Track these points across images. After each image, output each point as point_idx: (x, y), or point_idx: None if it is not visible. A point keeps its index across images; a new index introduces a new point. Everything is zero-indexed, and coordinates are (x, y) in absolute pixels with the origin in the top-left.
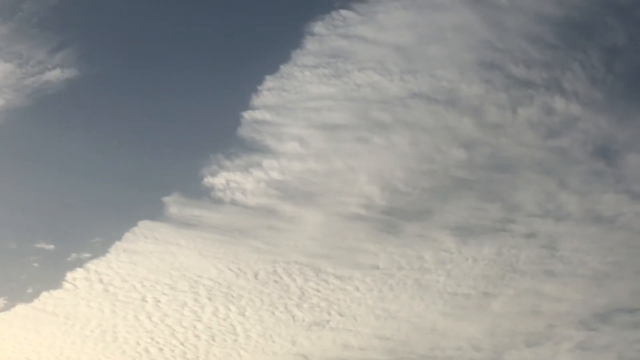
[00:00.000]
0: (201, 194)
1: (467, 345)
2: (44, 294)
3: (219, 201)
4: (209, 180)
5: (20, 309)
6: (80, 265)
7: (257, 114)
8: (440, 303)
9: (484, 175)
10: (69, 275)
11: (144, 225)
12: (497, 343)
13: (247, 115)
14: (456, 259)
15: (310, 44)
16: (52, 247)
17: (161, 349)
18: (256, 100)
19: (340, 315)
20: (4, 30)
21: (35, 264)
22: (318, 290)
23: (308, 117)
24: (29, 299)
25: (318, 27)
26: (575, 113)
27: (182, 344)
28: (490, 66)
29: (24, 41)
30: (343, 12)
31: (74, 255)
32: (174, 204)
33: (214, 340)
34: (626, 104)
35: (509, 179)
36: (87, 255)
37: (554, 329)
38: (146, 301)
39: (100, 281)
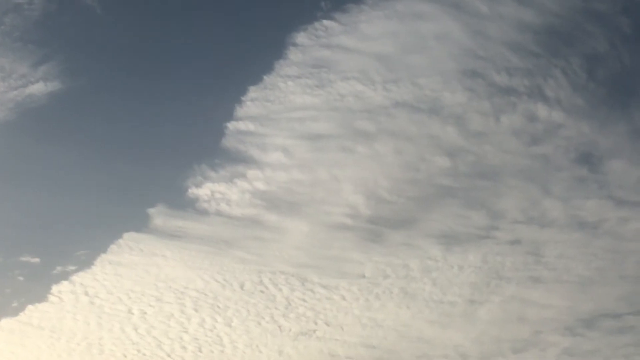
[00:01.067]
0: (186, 205)
1: (454, 353)
2: (30, 307)
3: (203, 212)
4: (193, 191)
5: (6, 322)
6: (66, 278)
7: (241, 125)
8: (426, 311)
9: (468, 183)
10: (55, 288)
11: (129, 237)
12: (484, 350)
13: (231, 126)
14: (442, 266)
15: (293, 55)
16: (37, 260)
17: None
18: (240, 111)
19: (327, 324)
20: None
21: (21, 278)
22: (304, 300)
23: (292, 127)
24: (15, 312)
25: (301, 37)
26: (558, 120)
27: (168, 355)
28: (473, 74)
29: (6, 55)
30: (325, 22)
31: (59, 268)
32: (159, 216)
33: (200, 351)
34: (608, 110)
35: (493, 187)
36: (73, 268)
37: (540, 335)
38: (132, 313)
39: (86, 294)
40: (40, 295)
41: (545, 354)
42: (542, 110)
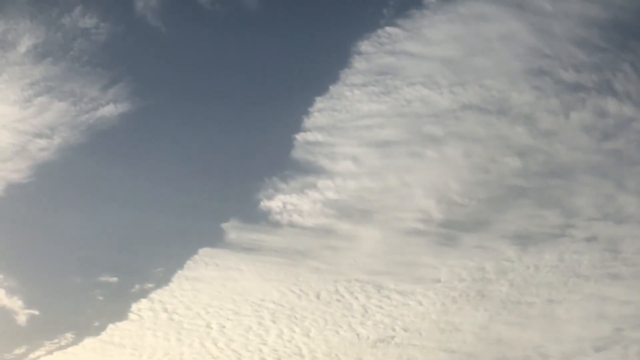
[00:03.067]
0: (259, 218)
1: (534, 354)
2: (111, 326)
3: (276, 224)
4: (265, 204)
5: (89, 342)
6: (144, 296)
7: (310, 136)
8: (504, 313)
9: (540, 182)
10: (134, 307)
11: (204, 253)
12: (565, 350)
13: (299, 137)
14: (517, 267)
15: (358, 63)
16: (115, 279)
17: None
18: (307, 122)
19: (405, 330)
20: (56, 70)
21: (100, 297)
22: (381, 307)
23: (360, 135)
24: (96, 331)
25: (365, 45)
26: (629, 114)
27: None
28: (540, 73)
29: (76, 79)
30: (389, 29)
31: (137, 286)
32: (232, 230)
33: None
34: None
35: (566, 184)
36: (151, 285)
37: (622, 333)
38: (211, 327)
39: (165, 310)
40: (120, 313)
41: (628, 352)
42: (612, 105)
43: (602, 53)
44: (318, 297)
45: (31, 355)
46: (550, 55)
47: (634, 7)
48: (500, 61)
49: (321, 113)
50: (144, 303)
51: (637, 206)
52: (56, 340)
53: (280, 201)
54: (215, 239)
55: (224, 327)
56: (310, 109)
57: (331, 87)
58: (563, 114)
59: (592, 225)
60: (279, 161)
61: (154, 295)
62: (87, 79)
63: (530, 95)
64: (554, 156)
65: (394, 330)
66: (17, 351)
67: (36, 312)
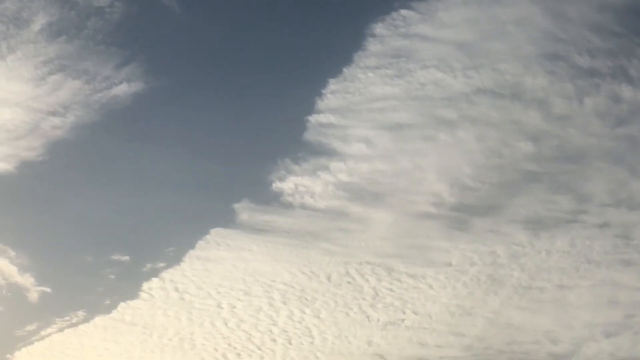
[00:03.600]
0: (271, 199)
1: (544, 339)
2: (122, 304)
3: (288, 206)
4: (277, 185)
5: (100, 320)
6: (156, 275)
7: (322, 118)
8: (515, 297)
9: (553, 167)
10: (145, 285)
11: (216, 233)
12: (575, 335)
13: (312, 119)
14: (529, 252)
15: (371, 45)
16: (127, 258)
17: (239, 354)
18: (321, 104)
19: (415, 313)
20: (70, 49)
21: (112, 276)
22: (391, 290)
23: (373, 118)
24: (108, 310)
25: (379, 28)
26: None
27: (259, 348)
28: (554, 57)
29: (90, 58)
30: (403, 11)
31: (149, 265)
32: (244, 211)
33: (290, 343)
34: None
35: (579, 170)
36: (162, 264)
37: (633, 319)
38: (222, 307)
39: (176, 290)
40: (131, 292)
41: (638, 338)
42: (626, 91)
43: (617, 38)
44: (329, 279)
45: (42, 332)
46: (565, 40)
47: None
48: (514, 45)
49: (334, 95)
50: (155, 282)
51: None
52: (67, 318)
53: (292, 183)
54: (227, 220)
55: (234, 307)
56: (323, 91)
57: (345, 70)
58: (577, 99)
59: (605, 211)
60: (292, 143)
61: (165, 274)
62: (101, 58)
63: (544, 80)
64: (567, 141)
65: (404, 313)
66: (29, 328)
67: (48, 290)
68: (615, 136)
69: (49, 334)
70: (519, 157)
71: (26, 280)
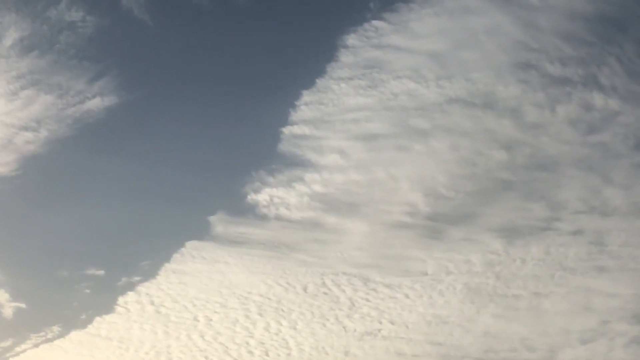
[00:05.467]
0: (246, 211)
1: (520, 346)
2: (97, 319)
3: (263, 217)
4: (252, 197)
5: (75, 335)
6: (131, 289)
7: (296, 129)
8: (491, 306)
9: (526, 175)
10: (121, 300)
11: (191, 246)
12: (551, 342)
13: (286, 130)
14: (504, 260)
15: (344, 57)
16: (102, 272)
17: None
18: (294, 116)
19: (392, 323)
20: (42, 63)
21: (87, 290)
22: (368, 300)
23: (347, 128)
24: (83, 324)
25: (351, 39)
26: (615, 107)
27: None
28: (526, 66)
29: (63, 72)
30: (375, 22)
31: (124, 279)
32: (219, 223)
33: (267, 355)
34: None
35: (552, 178)
36: (137, 278)
37: (608, 325)
38: (198, 320)
39: (152, 303)
40: (107, 306)
41: (614, 344)
42: (598, 99)
43: (588, 47)
44: (305, 290)
45: (17, 349)
46: (537, 49)
47: (620, 0)
48: (486, 55)
49: (308, 106)
50: (130, 296)
51: (623, 199)
52: (42, 333)
53: (267, 194)
54: (202, 232)
55: (211, 320)
56: (297, 103)
57: (318, 81)
58: (549, 108)
59: (578, 218)
60: (266, 154)
61: (140, 288)
62: (74, 72)
63: (517, 89)
64: (540, 149)
65: (380, 323)
66: (3, 344)
67: (23, 305)
68: (588, 144)
69: (24, 350)
70: (492, 166)
71: (1, 296)
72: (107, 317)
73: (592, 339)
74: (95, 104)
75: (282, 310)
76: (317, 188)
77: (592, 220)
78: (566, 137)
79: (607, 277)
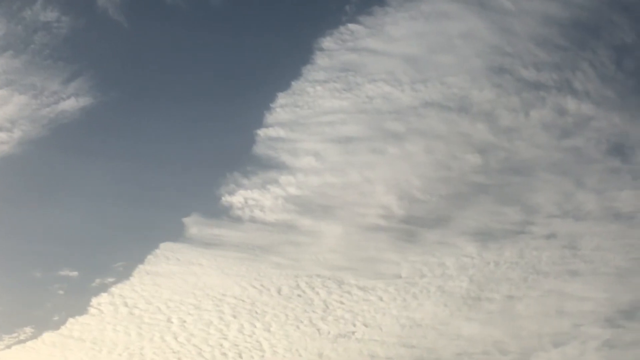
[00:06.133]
0: (220, 213)
1: (493, 349)
2: (71, 320)
3: (238, 219)
4: (227, 199)
5: (48, 336)
6: (105, 290)
7: (272, 131)
8: (464, 309)
9: (500, 179)
10: (94, 301)
11: (165, 247)
12: (524, 345)
13: (261, 132)
14: (478, 263)
15: (320, 59)
16: (75, 273)
17: None
18: (270, 118)
19: (365, 325)
20: (17, 63)
21: (61, 291)
22: (342, 302)
23: (322, 131)
24: (56, 326)
25: (327, 42)
26: (588, 112)
27: None
28: (500, 71)
29: (37, 73)
30: (351, 26)
31: (98, 280)
32: (194, 225)
33: (241, 357)
34: (638, 100)
35: (526, 182)
36: (111, 279)
37: (580, 328)
38: (172, 322)
39: (125, 305)
40: (80, 308)
41: (586, 347)
42: (571, 104)
43: (562, 52)
44: (279, 292)
45: None
46: (511, 54)
47: (594, 6)
48: (461, 59)
49: (283, 109)
50: (104, 297)
51: (596, 203)
52: (15, 335)
53: (241, 196)
54: (177, 234)
55: (184, 321)
56: (272, 105)
57: (293, 83)
58: (523, 112)
59: (552, 222)
60: (241, 156)
61: (114, 289)
62: (48, 73)
63: (491, 93)
64: (514, 153)
65: (354, 325)
66: None
67: None
68: (561, 148)
69: None
70: (467, 170)
71: None
72: (80, 319)
73: (565, 342)
74: (70, 104)
75: (256, 312)
76: (292, 190)
77: (565, 224)
78: (540, 141)
79: (579, 280)
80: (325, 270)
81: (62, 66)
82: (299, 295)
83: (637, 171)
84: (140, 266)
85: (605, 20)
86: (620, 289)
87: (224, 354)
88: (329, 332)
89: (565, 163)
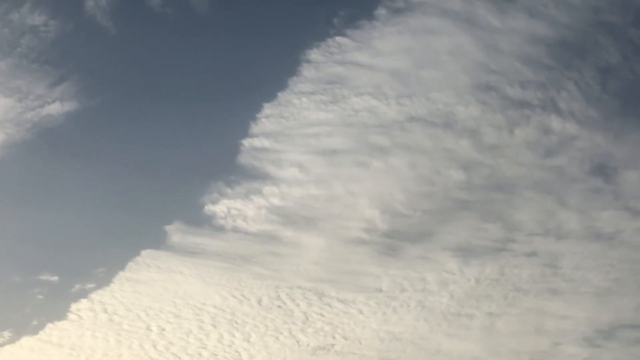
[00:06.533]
0: (203, 221)
1: None
2: (49, 325)
3: (220, 229)
4: (210, 208)
5: (26, 341)
6: (85, 296)
7: (256, 142)
8: (444, 324)
9: (483, 196)
10: (74, 306)
11: (146, 255)
12: None
13: (246, 142)
14: (459, 279)
15: (306, 71)
16: (55, 278)
17: None
18: (255, 128)
19: (345, 338)
20: (3, 66)
21: (40, 296)
22: (322, 315)
23: (307, 143)
24: (34, 331)
25: (314, 54)
26: (572, 132)
27: None
28: (486, 88)
29: (23, 76)
30: (338, 39)
31: (77, 286)
32: (176, 233)
33: None
34: (622, 121)
35: (509, 199)
36: (91, 285)
37: (559, 347)
38: (151, 330)
39: (105, 311)
40: (59, 313)
41: None
42: (555, 123)
43: (548, 71)
44: (259, 302)
45: None
46: (497, 71)
47: (580, 26)
48: (447, 75)
49: (269, 119)
50: (83, 303)
51: (577, 223)
52: None
53: (224, 206)
54: (158, 241)
55: (164, 329)
56: (258, 115)
57: (279, 94)
58: (508, 130)
59: (533, 240)
60: (225, 166)
61: (94, 295)
62: (34, 76)
63: (476, 110)
64: (497, 171)
65: (334, 338)
66: None
67: None
68: (545, 167)
69: None
70: (450, 185)
71: None
72: (59, 324)
73: None
74: (55, 108)
75: (236, 322)
76: (275, 201)
77: (546, 243)
78: (524, 159)
79: (559, 299)
80: (306, 281)
81: (48, 70)
82: (279, 307)
83: (619, 192)
84: (121, 273)
85: (591, 41)
86: (600, 308)
87: None
88: (308, 344)
89: (548, 182)
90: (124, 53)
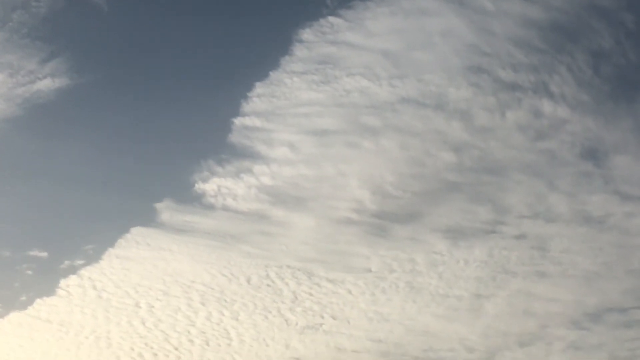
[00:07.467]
0: (193, 200)
1: (460, 347)
2: (38, 301)
3: (210, 207)
4: (200, 186)
5: (15, 316)
6: (74, 272)
7: (247, 121)
8: (432, 305)
9: (473, 178)
10: (63, 282)
11: (136, 232)
12: (490, 344)
13: (237, 121)
14: (448, 261)
15: (299, 51)
16: (45, 254)
17: (155, 354)
18: (246, 107)
19: (333, 318)
20: None
21: (29, 272)
22: (311, 294)
23: (298, 122)
24: (23, 306)
25: (306, 34)
26: (563, 115)
27: (176, 348)
28: (478, 70)
29: (14, 51)
30: (331, 19)
31: (67, 262)
32: (166, 210)
33: (207, 344)
34: (613, 105)
35: (499, 182)
36: (81, 262)
37: (546, 329)
38: (140, 307)
39: (94, 288)
40: (48, 289)
41: (551, 348)
42: (547, 106)
43: (540, 54)
44: (248, 281)
45: None
46: (489, 54)
47: (573, 10)
48: (439, 57)
49: (260, 99)
50: (73, 279)
51: (567, 206)
52: None
53: (215, 184)
54: (148, 219)
55: (152, 307)
56: (249, 94)
57: (271, 74)
58: (499, 112)
59: (522, 222)
60: (216, 144)
61: (83, 272)
62: (25, 52)
63: (468, 92)
64: (488, 153)
65: (322, 317)
66: None
67: None
68: (535, 150)
69: None
70: (440, 167)
71: None
72: (48, 300)
73: (531, 342)
74: (46, 84)
75: (225, 301)
76: (266, 180)
77: (535, 226)
78: (514, 142)
79: (547, 282)
80: (295, 261)
81: (39, 46)
82: (268, 285)
83: (609, 176)
84: (111, 250)
85: (584, 25)
86: (588, 291)
87: (191, 341)
88: (296, 323)
89: (539, 165)
90: (116, 30)
